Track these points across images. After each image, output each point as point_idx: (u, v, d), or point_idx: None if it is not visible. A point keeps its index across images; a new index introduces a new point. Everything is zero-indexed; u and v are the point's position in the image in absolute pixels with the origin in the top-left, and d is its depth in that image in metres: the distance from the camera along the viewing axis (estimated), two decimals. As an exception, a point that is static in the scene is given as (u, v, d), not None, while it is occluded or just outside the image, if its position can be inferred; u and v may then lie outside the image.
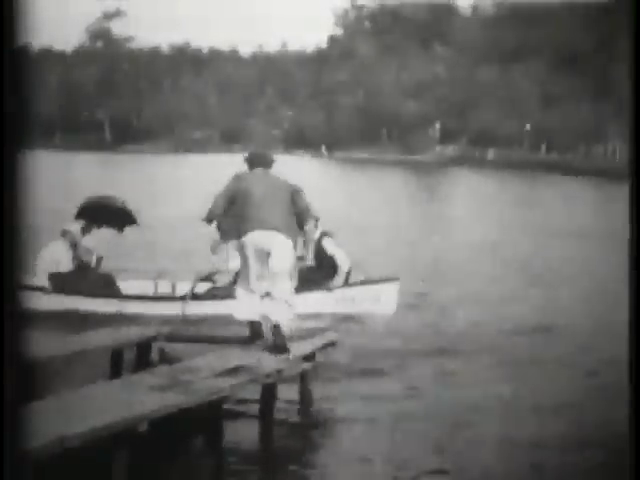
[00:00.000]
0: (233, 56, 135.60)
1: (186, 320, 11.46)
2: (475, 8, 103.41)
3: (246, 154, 9.00)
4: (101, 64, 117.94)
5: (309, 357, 8.56)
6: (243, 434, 7.71)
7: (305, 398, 8.49)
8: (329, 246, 12.76)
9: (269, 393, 7.94)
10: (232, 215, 8.47)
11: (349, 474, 6.99)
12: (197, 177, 52.85)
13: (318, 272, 12.60)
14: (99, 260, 13.15)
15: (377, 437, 7.72)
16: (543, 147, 79.11)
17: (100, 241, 13.22)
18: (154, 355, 8.94)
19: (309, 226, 8.68)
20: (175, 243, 20.92)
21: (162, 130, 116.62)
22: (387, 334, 11.65)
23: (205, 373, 7.43)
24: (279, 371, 7.80)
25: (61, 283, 12.52)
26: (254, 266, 8.47)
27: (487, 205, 36.72)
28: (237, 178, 8.66)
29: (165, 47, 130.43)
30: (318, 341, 8.86)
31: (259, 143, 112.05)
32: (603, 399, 8.75)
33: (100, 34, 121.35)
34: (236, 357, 8.06)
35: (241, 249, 8.51)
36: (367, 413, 8.32)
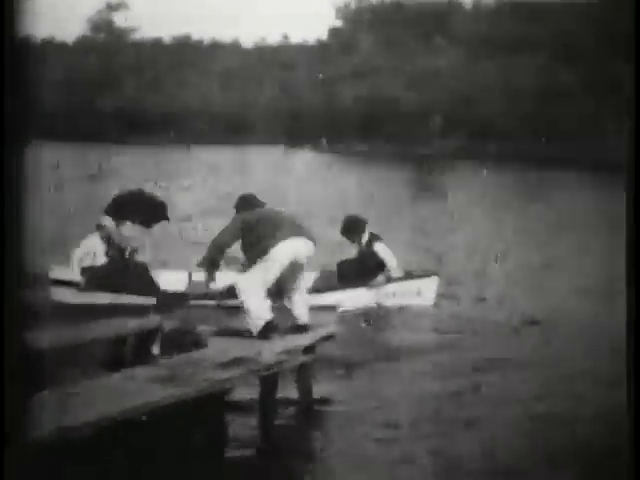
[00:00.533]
0: (235, 48, 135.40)
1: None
2: (477, 1, 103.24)
3: (235, 201, 9.24)
4: (103, 56, 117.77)
5: (308, 349, 8.58)
6: (244, 426, 7.72)
7: (304, 391, 8.50)
8: (382, 250, 13.04)
9: (269, 385, 7.95)
10: (250, 243, 8.70)
11: (350, 467, 7.01)
12: (200, 168, 52.81)
13: (363, 272, 12.88)
14: (133, 252, 13.00)
15: (376, 430, 7.74)
16: (543, 140, 79.05)
17: (134, 232, 13.14)
18: (155, 347, 8.96)
19: None
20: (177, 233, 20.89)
21: (164, 121, 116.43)
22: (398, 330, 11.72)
23: (205, 365, 7.44)
24: (279, 363, 7.81)
25: (94, 277, 12.47)
26: (280, 274, 8.73)
27: (488, 197, 36.68)
28: (235, 219, 8.88)
29: (167, 39, 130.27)
30: (317, 334, 8.88)
31: (261, 135, 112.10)
32: (602, 397, 8.81)
33: (103, 26, 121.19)
34: (236, 349, 8.07)
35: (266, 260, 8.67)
36: (368, 406, 8.35)
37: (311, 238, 8.85)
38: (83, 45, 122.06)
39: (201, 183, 38.76)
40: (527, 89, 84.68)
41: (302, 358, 8.29)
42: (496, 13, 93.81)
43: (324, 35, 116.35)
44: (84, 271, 12.46)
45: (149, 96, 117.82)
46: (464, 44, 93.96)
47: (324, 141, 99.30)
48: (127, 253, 12.89)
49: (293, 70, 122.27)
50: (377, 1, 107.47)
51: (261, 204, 9.17)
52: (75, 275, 12.38)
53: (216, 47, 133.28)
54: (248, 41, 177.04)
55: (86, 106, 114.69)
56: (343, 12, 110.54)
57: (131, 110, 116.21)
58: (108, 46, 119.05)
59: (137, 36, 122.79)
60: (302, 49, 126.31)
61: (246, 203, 9.16)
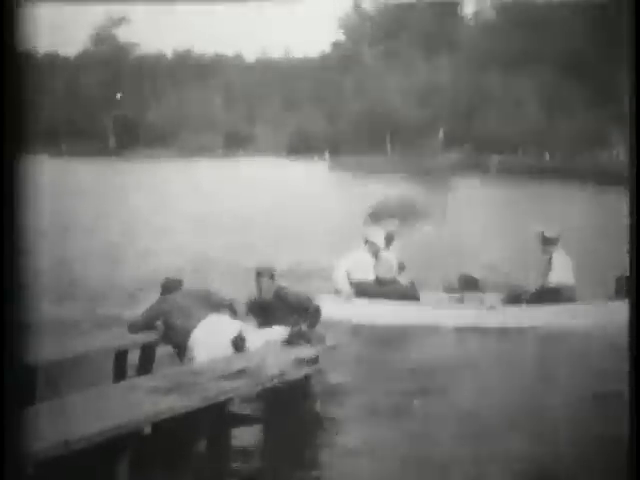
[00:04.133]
0: (237, 61, 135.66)
1: None
2: (479, 15, 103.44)
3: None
4: (106, 70, 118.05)
5: (312, 361, 8.58)
6: (247, 437, 7.72)
7: (307, 401, 8.51)
8: (558, 263, 12.53)
9: (272, 396, 7.95)
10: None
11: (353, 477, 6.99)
12: (202, 182, 52.80)
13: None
14: (401, 268, 12.85)
15: (379, 438, 7.73)
16: (547, 153, 79.04)
17: (402, 250, 13.02)
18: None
19: None
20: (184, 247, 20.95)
21: (166, 135, 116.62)
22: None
23: (208, 376, 7.44)
24: (282, 374, 7.82)
25: (364, 291, 12.35)
26: None
27: (491, 211, 36.63)
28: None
29: (169, 53, 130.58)
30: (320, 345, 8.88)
31: (263, 148, 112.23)
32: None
33: (105, 40, 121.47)
34: (239, 360, 8.07)
35: None
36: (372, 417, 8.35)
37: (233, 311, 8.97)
38: (85, 59, 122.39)
39: (204, 195, 38.75)
40: (530, 102, 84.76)
41: (305, 369, 8.29)
42: (498, 27, 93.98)
43: (327, 49, 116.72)
44: (354, 284, 12.38)
45: (151, 110, 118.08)
46: (467, 58, 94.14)
47: (327, 154, 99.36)
48: (394, 274, 12.75)
49: (296, 84, 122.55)
50: (379, 15, 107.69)
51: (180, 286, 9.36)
52: (343, 285, 12.30)
53: (218, 61, 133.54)
54: (250, 55, 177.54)
55: (87, 119, 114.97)
56: (345, 26, 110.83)
57: (133, 123, 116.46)
58: (110, 60, 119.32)
59: (139, 50, 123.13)
60: (304, 63, 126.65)
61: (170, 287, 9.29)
